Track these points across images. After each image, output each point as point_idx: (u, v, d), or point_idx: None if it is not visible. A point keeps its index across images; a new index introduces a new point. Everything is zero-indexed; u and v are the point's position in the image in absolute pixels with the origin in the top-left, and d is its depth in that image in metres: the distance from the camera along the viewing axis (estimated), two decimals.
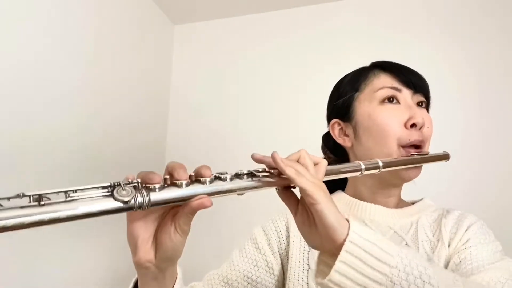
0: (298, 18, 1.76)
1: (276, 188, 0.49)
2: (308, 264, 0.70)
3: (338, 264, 0.41)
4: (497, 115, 1.44)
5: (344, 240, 0.42)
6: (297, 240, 0.73)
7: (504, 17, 1.49)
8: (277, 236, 0.75)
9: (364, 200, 0.73)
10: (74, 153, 1.25)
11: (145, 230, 0.44)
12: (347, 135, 0.75)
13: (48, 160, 1.15)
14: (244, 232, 0.79)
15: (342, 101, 0.75)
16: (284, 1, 1.75)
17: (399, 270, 0.40)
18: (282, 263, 0.73)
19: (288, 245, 0.73)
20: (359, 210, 0.71)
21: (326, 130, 0.81)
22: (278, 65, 1.75)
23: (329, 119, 0.79)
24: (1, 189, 0.97)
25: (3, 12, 1.02)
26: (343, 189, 0.79)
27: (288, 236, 0.74)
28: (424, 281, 0.40)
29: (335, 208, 0.43)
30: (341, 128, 0.76)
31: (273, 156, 0.46)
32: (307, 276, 0.69)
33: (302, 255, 0.71)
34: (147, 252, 0.44)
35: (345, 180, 0.81)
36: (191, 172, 0.44)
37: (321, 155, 0.83)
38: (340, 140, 0.76)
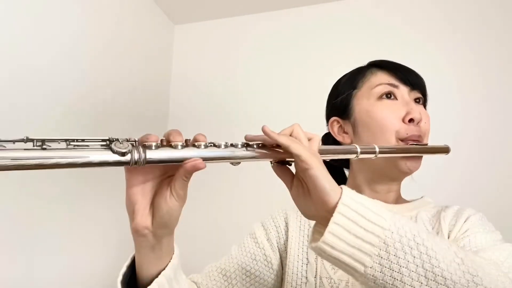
0: (298, 18, 1.79)
1: (271, 162, 0.50)
2: (307, 258, 0.70)
3: (331, 225, 0.41)
4: (497, 111, 1.43)
5: (337, 204, 0.42)
6: (296, 235, 0.73)
7: (504, 11, 1.50)
8: (276, 231, 0.75)
9: None
10: None
11: (142, 196, 0.45)
12: (346, 133, 0.76)
13: None
14: (244, 228, 0.79)
15: (340, 99, 0.77)
16: (284, 1, 1.77)
17: (392, 232, 0.40)
18: (281, 257, 0.73)
19: (287, 240, 0.73)
20: None
21: (325, 129, 0.83)
22: (278, 65, 1.77)
23: (328, 117, 0.81)
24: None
25: (4, 12, 1.05)
26: None
27: (287, 231, 0.74)
28: (417, 243, 0.40)
29: (328, 174, 0.44)
30: (340, 126, 0.77)
31: (263, 129, 0.47)
32: (306, 270, 0.68)
33: (301, 250, 0.71)
34: (144, 218, 0.45)
35: (345, 179, 0.82)
36: None
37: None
38: (339, 138, 0.77)
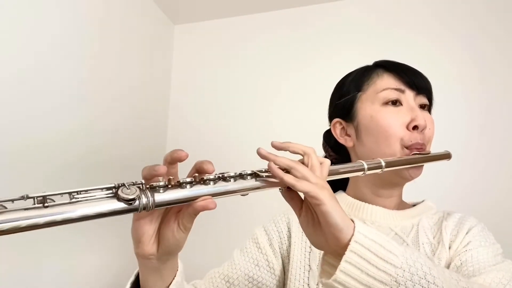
0: (299, 18, 1.76)
1: (280, 189, 0.49)
2: (309, 265, 0.70)
3: (343, 264, 0.41)
4: (501, 116, 1.43)
5: (349, 240, 0.42)
6: (299, 240, 0.73)
7: (510, 15, 1.48)
8: (279, 237, 0.75)
9: (365, 201, 0.72)
10: (73, 154, 1.24)
11: (149, 226, 0.45)
12: (348, 135, 0.75)
13: (53, 161, 1.15)
14: (246, 231, 0.79)
15: (344, 100, 0.75)
16: (284, 1, 1.74)
17: (403, 271, 0.40)
18: (283, 263, 0.73)
19: (290, 246, 0.73)
20: (361, 212, 0.71)
21: (326, 128, 0.81)
22: (279, 64, 1.75)
23: (331, 118, 0.79)
24: (6, 191, 0.97)
25: (3, 12, 1.02)
26: (344, 190, 0.79)
27: (289, 237, 0.74)
28: (429, 282, 0.40)
29: (340, 208, 0.43)
30: (343, 128, 0.76)
31: (269, 167, 0.46)
32: (308, 277, 0.69)
33: (304, 256, 0.71)
34: (150, 247, 0.45)
35: (346, 181, 0.81)
36: (191, 169, 0.44)
37: (322, 153, 0.83)
38: (341, 140, 0.75)
